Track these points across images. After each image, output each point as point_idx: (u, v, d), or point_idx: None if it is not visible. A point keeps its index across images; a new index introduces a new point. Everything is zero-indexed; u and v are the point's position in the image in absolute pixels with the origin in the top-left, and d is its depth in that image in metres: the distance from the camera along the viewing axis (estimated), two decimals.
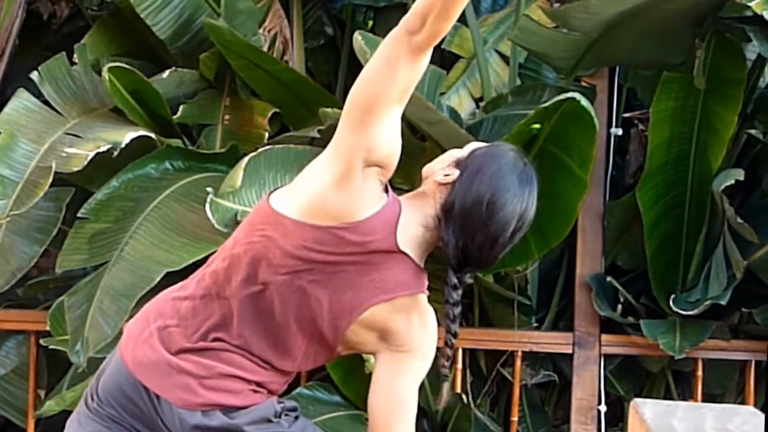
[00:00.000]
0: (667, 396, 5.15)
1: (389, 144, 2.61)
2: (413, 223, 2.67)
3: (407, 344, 2.69)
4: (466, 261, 2.68)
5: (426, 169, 2.80)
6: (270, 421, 2.70)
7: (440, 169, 2.74)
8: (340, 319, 2.65)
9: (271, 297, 2.64)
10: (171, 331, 2.68)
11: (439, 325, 2.77)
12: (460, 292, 2.71)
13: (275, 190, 2.74)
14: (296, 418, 2.79)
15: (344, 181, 2.57)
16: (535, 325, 5.17)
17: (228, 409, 2.65)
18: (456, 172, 2.69)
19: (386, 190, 2.68)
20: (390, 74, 2.52)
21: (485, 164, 2.69)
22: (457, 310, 2.72)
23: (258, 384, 2.69)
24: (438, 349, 2.79)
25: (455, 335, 2.73)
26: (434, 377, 2.86)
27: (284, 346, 2.69)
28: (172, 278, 3.92)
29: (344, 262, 2.61)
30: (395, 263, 2.64)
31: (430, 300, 2.76)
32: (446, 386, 2.84)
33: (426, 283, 2.74)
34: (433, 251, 2.74)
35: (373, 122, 2.54)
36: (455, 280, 2.69)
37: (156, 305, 2.79)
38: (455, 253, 2.65)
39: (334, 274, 2.62)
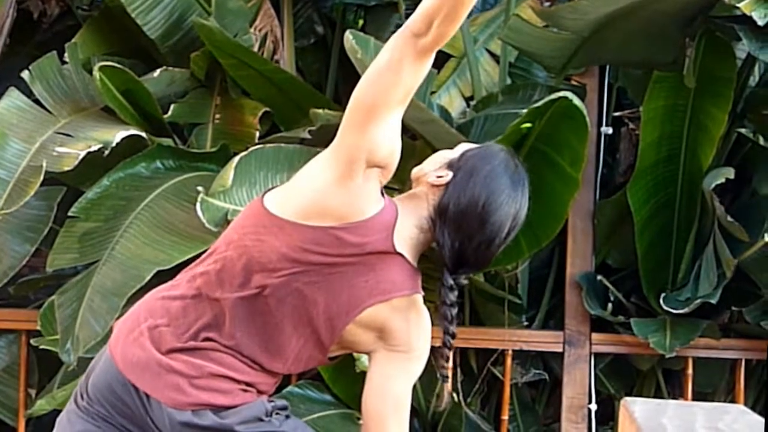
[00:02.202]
0: (658, 394, 5.16)
1: (390, 145, 2.61)
2: (408, 224, 2.68)
3: (404, 344, 2.70)
4: (462, 262, 2.68)
5: (416, 171, 2.80)
6: (261, 420, 2.70)
7: (432, 171, 2.74)
8: (336, 319, 2.65)
9: (267, 300, 2.63)
10: (161, 331, 2.68)
11: (433, 325, 2.77)
12: (456, 293, 2.72)
13: (268, 191, 2.73)
14: (287, 417, 2.79)
15: (345, 180, 2.56)
16: (526, 323, 5.18)
17: (218, 409, 2.64)
18: (449, 174, 2.70)
19: (381, 193, 2.69)
20: (394, 76, 2.52)
21: (478, 165, 2.70)
22: (454, 310, 2.72)
23: (247, 384, 2.69)
24: (436, 349, 2.79)
25: (453, 336, 2.73)
26: (426, 377, 2.86)
27: (276, 348, 2.69)
28: (162, 277, 3.91)
29: (341, 263, 2.61)
30: (391, 264, 2.65)
31: (423, 300, 2.76)
32: (446, 387, 2.85)
33: (420, 283, 2.74)
34: (425, 252, 2.75)
35: (376, 123, 2.54)
36: (451, 281, 2.70)
37: (146, 304, 2.79)
38: (451, 254, 2.66)
39: (330, 275, 2.61)
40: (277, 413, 2.75)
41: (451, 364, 4.81)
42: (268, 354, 2.69)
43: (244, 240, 2.66)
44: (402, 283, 2.67)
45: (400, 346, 2.70)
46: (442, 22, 2.46)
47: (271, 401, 2.76)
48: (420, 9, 2.49)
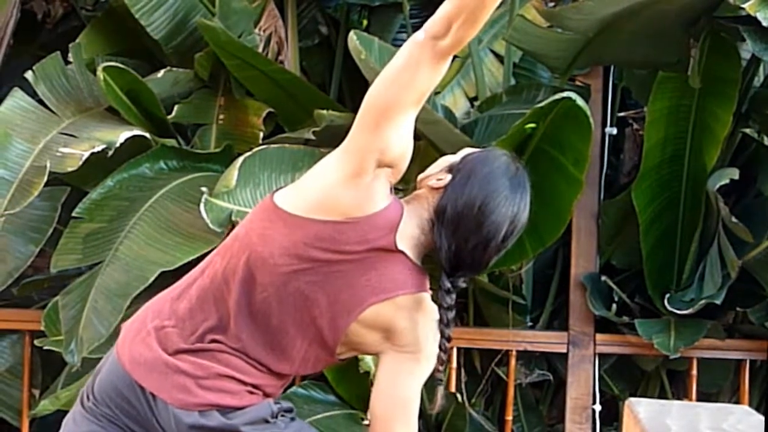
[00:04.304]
0: (662, 395, 5.16)
1: (402, 146, 2.61)
2: (412, 225, 2.66)
3: (411, 344, 2.67)
4: (459, 265, 2.67)
5: (421, 176, 2.80)
6: (267, 421, 2.69)
7: (433, 174, 2.74)
8: (338, 319, 2.64)
9: (269, 300, 2.63)
10: (168, 332, 2.67)
11: None
12: (453, 296, 2.70)
13: (279, 189, 2.73)
14: (292, 419, 2.79)
15: (355, 178, 2.56)
16: (530, 324, 5.18)
17: (225, 410, 2.64)
18: (448, 177, 2.69)
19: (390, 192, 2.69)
20: (410, 78, 2.52)
21: (477, 168, 2.69)
22: (451, 314, 2.70)
23: (254, 386, 2.68)
24: None
25: (449, 339, 2.71)
26: (430, 377, 2.86)
27: (281, 349, 2.68)
28: (166, 278, 3.92)
29: (342, 261, 2.60)
30: (393, 262, 2.63)
31: None
32: (441, 390, 2.83)
33: (428, 282, 2.73)
34: (429, 253, 2.74)
35: (389, 124, 2.54)
36: (448, 285, 2.68)
37: (154, 305, 2.78)
38: (448, 256, 2.65)
39: (331, 274, 2.61)
40: (282, 415, 2.75)
41: (455, 364, 4.82)
42: (274, 356, 2.69)
43: (249, 235, 2.66)
44: (405, 281, 2.65)
45: (407, 346, 2.68)
46: (461, 26, 2.46)
47: (277, 403, 2.76)
48: (439, 12, 2.49)
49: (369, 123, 2.57)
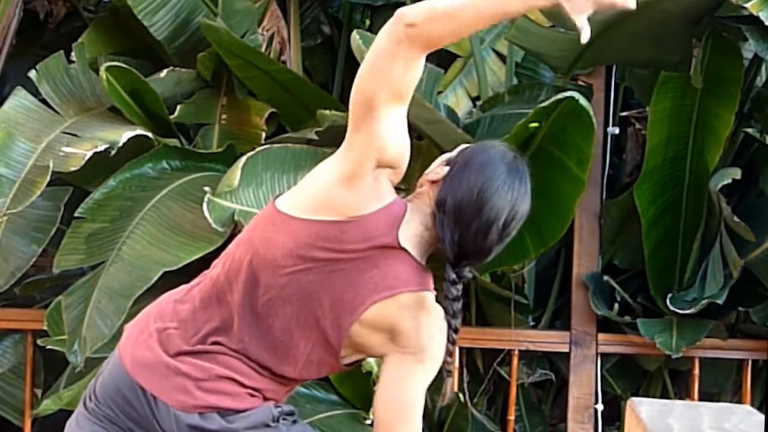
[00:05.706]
0: (664, 395, 5.16)
1: (399, 144, 2.62)
2: (415, 223, 2.66)
3: (415, 345, 2.65)
4: (463, 253, 2.66)
5: (422, 177, 2.80)
6: (268, 425, 2.68)
7: (432, 170, 2.75)
8: (342, 318, 2.63)
9: (273, 301, 2.63)
10: (170, 334, 2.68)
11: None
12: (459, 287, 2.70)
13: (281, 194, 2.73)
14: (294, 422, 2.78)
15: (354, 179, 2.57)
16: (532, 324, 5.18)
17: (225, 412, 2.64)
18: (446, 169, 2.70)
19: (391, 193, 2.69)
20: (386, 66, 2.53)
21: (474, 157, 2.69)
22: (457, 305, 2.70)
23: (254, 389, 2.68)
24: None
25: (456, 331, 2.71)
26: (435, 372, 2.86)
27: (285, 351, 2.68)
28: (169, 278, 3.92)
29: (345, 260, 2.60)
30: (396, 260, 2.63)
31: None
32: (449, 383, 2.83)
33: (431, 282, 2.72)
34: (433, 252, 2.74)
35: (375, 119, 2.54)
36: (453, 276, 2.68)
37: (157, 307, 2.79)
38: (451, 246, 2.64)
39: (334, 273, 2.61)
40: (284, 419, 2.74)
41: (457, 363, 4.82)
42: (277, 358, 2.68)
43: (252, 239, 2.67)
44: (408, 279, 2.65)
45: (411, 347, 2.65)
46: (439, 25, 2.48)
47: (279, 406, 2.75)
48: (425, 5, 2.49)
49: (357, 120, 2.58)
